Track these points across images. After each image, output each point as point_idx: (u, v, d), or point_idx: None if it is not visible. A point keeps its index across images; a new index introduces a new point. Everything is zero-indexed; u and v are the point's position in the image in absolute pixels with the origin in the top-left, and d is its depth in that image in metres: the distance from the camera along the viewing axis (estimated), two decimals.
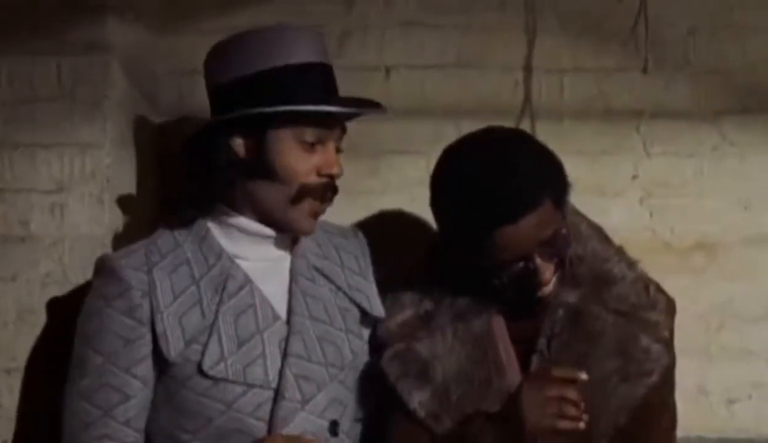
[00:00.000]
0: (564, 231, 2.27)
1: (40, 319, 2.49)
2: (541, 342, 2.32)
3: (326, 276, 2.35)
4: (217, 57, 2.26)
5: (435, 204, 2.32)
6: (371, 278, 2.44)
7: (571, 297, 2.33)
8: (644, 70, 2.79)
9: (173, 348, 2.19)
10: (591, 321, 2.31)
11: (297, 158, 2.21)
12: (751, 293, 2.78)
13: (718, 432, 2.66)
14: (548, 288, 2.28)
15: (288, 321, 2.28)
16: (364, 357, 2.37)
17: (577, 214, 2.41)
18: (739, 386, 2.78)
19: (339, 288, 2.36)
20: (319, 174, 2.23)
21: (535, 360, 2.31)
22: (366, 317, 2.38)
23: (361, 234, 2.50)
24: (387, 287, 2.43)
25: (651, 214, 2.79)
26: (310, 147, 2.22)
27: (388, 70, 2.79)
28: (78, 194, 2.51)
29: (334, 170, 2.23)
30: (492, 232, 2.21)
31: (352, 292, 2.37)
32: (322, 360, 2.28)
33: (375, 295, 2.41)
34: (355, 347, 2.35)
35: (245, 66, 2.21)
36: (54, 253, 2.50)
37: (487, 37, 2.78)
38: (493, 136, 2.31)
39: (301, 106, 2.18)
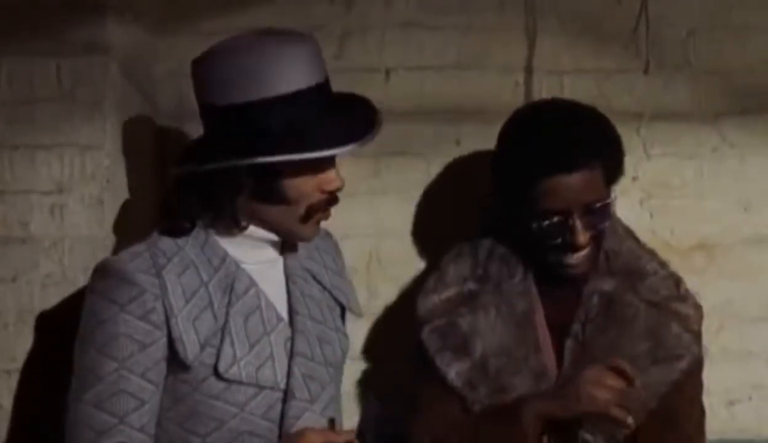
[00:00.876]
0: (607, 202, 2.40)
1: (41, 320, 2.48)
2: (576, 328, 2.45)
3: (314, 277, 2.39)
4: (207, 69, 2.20)
5: (500, 144, 2.47)
6: (347, 276, 2.50)
7: (606, 285, 2.47)
8: (645, 72, 2.79)
9: (190, 352, 2.18)
10: (624, 308, 2.46)
11: (304, 181, 2.21)
12: (751, 294, 2.79)
13: (718, 434, 2.66)
14: (579, 257, 2.40)
15: (291, 322, 2.29)
16: (345, 354, 2.43)
17: (615, 217, 2.51)
18: (740, 387, 2.79)
19: (325, 288, 2.40)
20: (322, 191, 2.23)
21: (569, 344, 2.45)
22: (344, 314, 2.46)
23: (333, 235, 2.51)
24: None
25: (651, 215, 2.80)
26: (315, 168, 2.21)
27: (388, 72, 2.79)
28: (78, 195, 2.51)
29: (337, 185, 2.23)
30: (544, 177, 2.35)
31: (334, 291, 2.42)
32: (322, 359, 2.31)
33: (352, 293, 2.49)
34: (343, 346, 2.41)
35: (240, 91, 2.16)
36: (54, 254, 2.49)
37: (488, 38, 2.78)
38: (571, 101, 2.51)
39: (309, 153, 2.15)
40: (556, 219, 2.37)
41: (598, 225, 2.40)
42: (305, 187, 2.21)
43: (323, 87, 2.22)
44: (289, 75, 2.16)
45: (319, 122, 2.18)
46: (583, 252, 2.40)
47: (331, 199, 2.25)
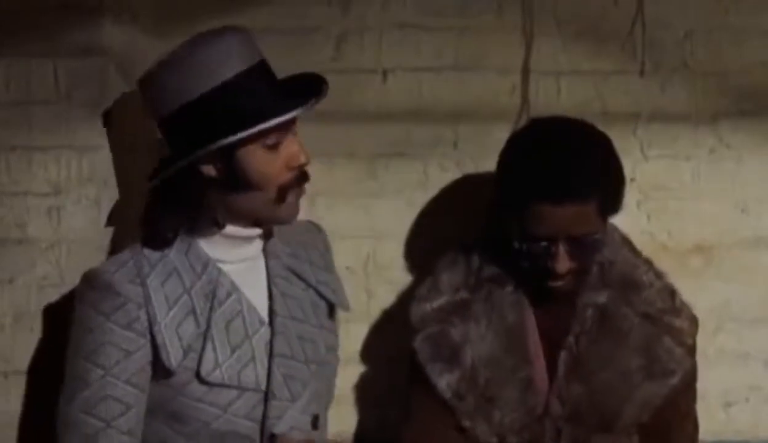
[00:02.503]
0: (597, 237, 2.38)
1: (37, 322, 2.48)
2: (570, 340, 2.45)
3: (298, 275, 2.41)
4: (154, 86, 2.26)
5: (501, 158, 2.47)
6: (335, 271, 2.52)
7: (600, 297, 2.47)
8: (641, 73, 2.79)
9: (174, 358, 2.24)
10: (618, 320, 2.45)
11: (267, 162, 2.24)
12: (749, 296, 2.79)
13: (715, 435, 2.66)
14: (560, 282, 2.39)
15: (270, 323, 2.34)
16: (333, 350, 2.47)
17: (611, 223, 2.50)
18: (737, 389, 2.78)
19: (309, 285, 2.42)
20: (289, 168, 2.26)
21: (563, 357, 2.45)
22: (333, 309, 2.47)
23: (323, 229, 2.54)
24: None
25: (648, 217, 2.79)
26: (274, 147, 2.25)
27: (385, 73, 2.78)
28: (75, 197, 2.51)
29: (302, 159, 2.26)
30: (535, 203, 2.34)
31: (320, 287, 2.44)
32: (303, 358, 2.35)
33: (340, 287, 2.50)
34: (328, 342, 2.44)
35: (187, 91, 2.21)
36: (51, 256, 2.50)
37: (485, 40, 2.77)
38: (579, 123, 2.46)
39: (261, 124, 2.19)
40: (541, 244, 2.36)
41: (585, 257, 2.40)
42: (270, 168, 2.24)
43: (262, 66, 2.26)
44: (224, 62, 2.22)
45: (264, 96, 2.23)
46: (563, 282, 2.39)
47: (301, 175, 2.28)
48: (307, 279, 2.42)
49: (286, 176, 2.26)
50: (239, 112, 2.20)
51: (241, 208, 2.27)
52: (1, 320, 2.48)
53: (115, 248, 2.52)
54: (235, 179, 2.24)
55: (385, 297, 2.77)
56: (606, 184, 2.39)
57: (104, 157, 2.52)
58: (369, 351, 2.76)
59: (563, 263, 2.36)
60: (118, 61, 2.57)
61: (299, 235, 2.46)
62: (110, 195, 2.54)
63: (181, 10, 2.76)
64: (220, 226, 2.29)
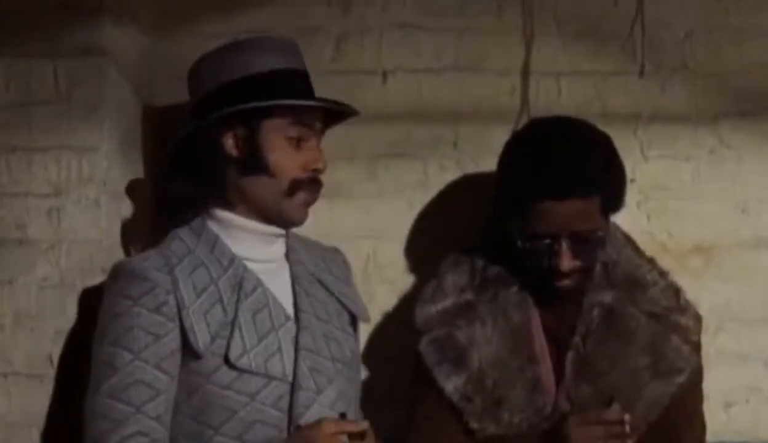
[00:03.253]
0: (599, 234, 2.39)
1: (37, 323, 2.48)
2: (576, 340, 2.45)
3: (321, 282, 2.44)
4: (202, 69, 2.37)
5: (502, 156, 2.48)
6: (354, 286, 2.55)
7: (606, 297, 2.47)
8: (641, 74, 2.79)
9: (202, 342, 2.25)
10: (625, 320, 2.46)
11: (286, 154, 2.32)
12: (749, 296, 2.79)
13: (715, 436, 2.65)
14: (566, 281, 2.39)
15: (296, 319, 2.35)
16: (357, 357, 2.49)
17: (612, 223, 2.52)
18: (737, 390, 2.78)
19: (332, 293, 2.45)
20: (305, 169, 2.33)
21: (570, 357, 2.44)
22: (353, 320, 2.49)
23: (341, 252, 2.57)
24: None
25: (648, 217, 2.79)
26: (296, 144, 2.33)
27: (385, 74, 2.78)
28: (75, 198, 2.51)
29: (319, 165, 2.34)
30: (536, 200, 2.35)
31: (342, 298, 2.47)
32: (328, 355, 2.37)
33: (360, 300, 2.53)
34: (352, 346, 2.46)
35: (230, 73, 2.32)
36: (51, 257, 2.49)
37: (485, 41, 2.77)
38: (580, 122, 2.47)
39: (288, 100, 2.30)
40: (542, 242, 2.37)
41: (588, 255, 2.40)
42: (288, 161, 2.31)
43: (303, 73, 2.37)
44: (266, 57, 2.33)
45: (297, 88, 2.34)
46: (569, 281, 2.40)
47: (315, 179, 2.35)
48: (329, 287, 2.45)
49: (301, 174, 2.32)
50: (271, 89, 2.29)
51: (253, 194, 2.32)
52: (1, 320, 2.48)
53: (115, 248, 2.53)
54: (254, 160, 2.31)
55: (386, 298, 2.77)
56: (607, 180, 2.40)
57: (104, 158, 2.52)
58: (369, 352, 2.75)
59: (567, 261, 2.37)
60: (119, 62, 2.57)
61: (321, 252, 2.52)
62: (110, 195, 2.54)
63: (180, 11, 2.76)
64: (228, 214, 2.33)
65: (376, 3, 2.77)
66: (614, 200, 2.43)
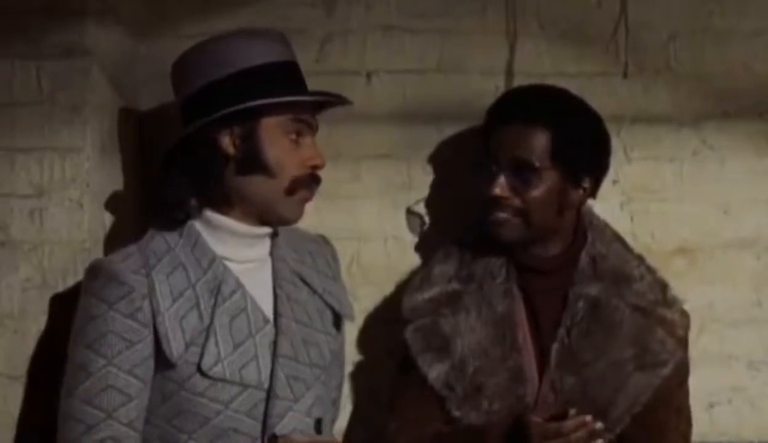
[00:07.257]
0: (536, 165, 2.45)
1: (20, 324, 2.48)
2: (561, 331, 2.48)
3: (304, 281, 2.42)
4: (185, 67, 2.34)
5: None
6: (342, 282, 2.53)
7: (592, 289, 2.51)
8: (624, 75, 2.79)
9: (175, 350, 2.25)
10: (610, 312, 2.49)
11: (286, 151, 2.30)
12: (732, 297, 2.79)
13: (698, 437, 2.66)
14: (499, 215, 2.46)
15: (275, 324, 2.34)
16: (338, 356, 2.49)
17: (601, 220, 2.58)
18: (720, 390, 2.79)
19: (315, 291, 2.44)
20: (304, 166, 2.31)
21: (555, 348, 2.47)
22: (337, 318, 2.47)
23: (330, 242, 2.56)
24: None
25: (632, 219, 2.80)
26: (294, 141, 2.31)
27: (369, 75, 2.79)
28: (58, 199, 2.51)
29: (319, 161, 2.33)
30: (491, 128, 2.51)
31: (325, 295, 2.45)
32: (307, 360, 2.35)
33: (345, 297, 2.52)
34: (332, 348, 2.44)
35: (221, 68, 2.29)
36: (33, 258, 2.49)
37: (469, 42, 2.78)
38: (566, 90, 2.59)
39: (289, 96, 2.28)
40: (492, 168, 2.46)
41: (524, 191, 2.45)
42: (288, 158, 2.30)
43: (293, 65, 2.35)
44: (255, 50, 2.30)
45: (290, 82, 2.32)
46: (504, 214, 2.45)
47: (315, 176, 2.33)
48: (313, 285, 2.43)
49: (301, 171, 2.31)
50: (263, 87, 2.26)
51: (251, 193, 2.30)
52: None
53: (98, 250, 2.52)
54: (252, 159, 2.28)
55: (369, 299, 2.77)
56: (564, 123, 2.47)
57: (87, 159, 2.51)
58: (352, 353, 2.75)
59: (499, 187, 2.44)
60: (102, 62, 2.56)
61: (308, 244, 2.49)
62: (94, 197, 2.53)
63: (164, 12, 2.76)
64: (220, 217, 2.31)
65: (359, 4, 2.77)
66: (572, 147, 2.47)
